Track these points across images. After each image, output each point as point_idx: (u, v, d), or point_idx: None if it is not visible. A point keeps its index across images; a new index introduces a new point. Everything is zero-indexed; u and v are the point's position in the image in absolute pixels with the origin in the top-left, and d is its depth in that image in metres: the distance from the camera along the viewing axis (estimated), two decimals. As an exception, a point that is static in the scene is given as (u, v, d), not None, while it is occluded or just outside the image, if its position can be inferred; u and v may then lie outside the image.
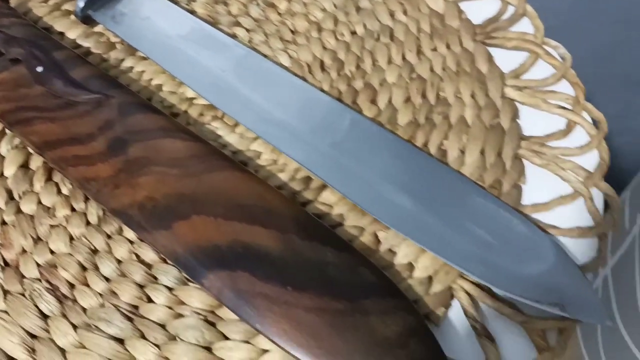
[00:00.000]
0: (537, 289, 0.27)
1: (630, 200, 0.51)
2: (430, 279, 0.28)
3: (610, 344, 0.50)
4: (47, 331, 0.27)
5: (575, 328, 0.27)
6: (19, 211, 0.30)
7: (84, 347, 0.26)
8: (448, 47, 0.37)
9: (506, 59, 0.37)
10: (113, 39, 0.38)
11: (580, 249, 0.30)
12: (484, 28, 0.38)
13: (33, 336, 0.27)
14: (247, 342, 0.26)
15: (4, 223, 0.30)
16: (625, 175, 0.67)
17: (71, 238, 0.30)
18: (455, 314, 0.28)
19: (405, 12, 0.39)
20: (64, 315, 0.27)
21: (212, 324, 0.27)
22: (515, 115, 0.34)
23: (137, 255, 0.29)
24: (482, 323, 0.27)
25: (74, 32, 0.38)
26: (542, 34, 0.38)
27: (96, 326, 0.27)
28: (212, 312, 0.27)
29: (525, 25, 0.39)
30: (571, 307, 0.27)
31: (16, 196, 0.31)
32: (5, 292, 0.28)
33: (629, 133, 0.77)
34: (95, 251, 0.29)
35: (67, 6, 0.39)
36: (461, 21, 0.38)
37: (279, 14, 0.39)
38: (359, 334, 0.24)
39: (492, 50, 0.38)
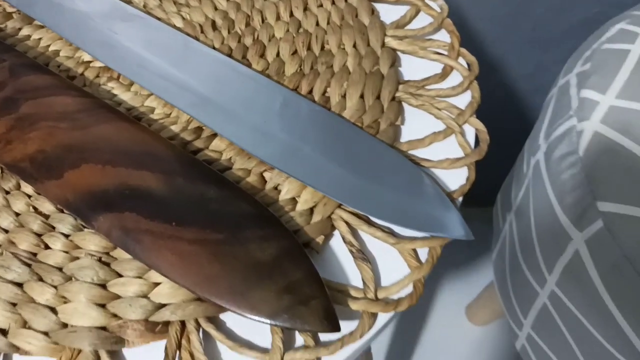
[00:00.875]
0: (408, 214, 0.30)
1: (527, 147, 0.54)
2: (311, 210, 0.30)
3: (519, 288, 0.54)
4: (-54, 280, 0.28)
5: (439, 247, 0.30)
6: None
7: (-17, 293, 0.28)
8: (333, 2, 0.39)
9: (391, 13, 0.40)
10: (9, 9, 0.39)
11: (452, 178, 0.33)
12: (368, -16, 0.41)
13: None
14: (140, 277, 0.28)
15: None
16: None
17: (-31, 195, 0.31)
18: (335, 241, 0.30)
19: (293, -28, 0.41)
20: (-36, 266, 0.29)
21: (107, 264, 0.29)
22: (394, 62, 0.36)
23: (35, 208, 0.31)
24: (359, 247, 0.29)
25: (-30, 4, 0.38)
26: (422, -12, 0.41)
27: (-6, 273, 0.28)
28: (107, 254, 0.29)
29: (408, -19, 0.42)
30: (438, 228, 0.29)
31: None
32: None
33: (542, 90, 0.80)
34: (-7, 206, 0.31)
35: (-38, -20, 0.40)
36: (346, -22, 0.40)
37: (173, -22, 0.41)
38: (238, 260, 0.26)
39: (378, 5, 0.40)
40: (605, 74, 0.45)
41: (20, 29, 0.38)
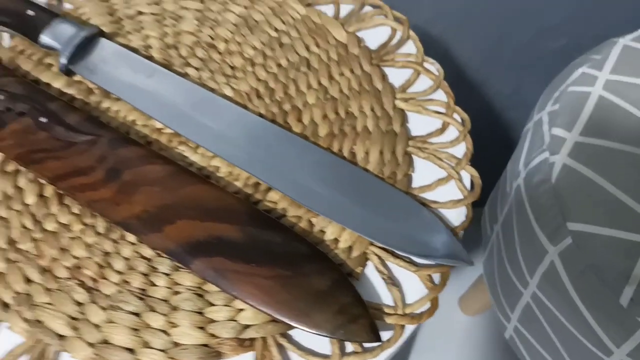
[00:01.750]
0: (422, 247, 0.39)
1: (509, 169, 0.64)
2: (350, 248, 0.40)
3: (506, 288, 0.64)
4: (83, 313, 0.37)
5: (449, 272, 0.39)
6: (44, 230, 0.41)
7: (112, 322, 0.37)
8: (352, 71, 0.49)
9: (397, 75, 0.49)
10: (91, 86, 0.47)
11: (455, 216, 0.42)
12: (378, 53, 0.50)
13: (74, 318, 0.37)
14: (227, 305, 0.38)
15: (35, 240, 0.40)
16: (515, 144, 0.81)
17: (87, 245, 0.40)
18: (370, 271, 0.40)
19: (317, 45, 0.50)
20: (93, 301, 0.38)
21: (201, 296, 0.38)
22: (404, 121, 0.46)
23: (139, 253, 0.40)
24: (388, 274, 0.39)
25: (58, 83, 0.47)
26: (422, 54, 0.50)
27: (118, 306, 0.38)
28: (200, 287, 0.38)
29: (410, 47, 0.51)
30: (446, 257, 0.39)
31: (39, 218, 0.41)
32: (47, 290, 0.38)
33: (521, 107, 0.91)
34: (107, 253, 0.40)
35: (48, 60, 0.49)
36: (360, 49, 0.50)
37: (220, 53, 0.50)
38: (301, 289, 0.36)
39: (386, 69, 0.50)
40: (570, 114, 0.55)
41: (100, 102, 0.47)
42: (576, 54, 0.68)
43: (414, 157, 0.45)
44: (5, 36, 0.50)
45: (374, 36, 0.52)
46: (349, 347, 0.37)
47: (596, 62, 0.59)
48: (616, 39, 0.62)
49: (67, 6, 0.53)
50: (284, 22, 0.51)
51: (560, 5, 0.70)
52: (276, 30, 0.51)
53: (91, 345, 0.37)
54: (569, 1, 0.70)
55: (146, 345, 0.36)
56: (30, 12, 0.47)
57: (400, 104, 0.47)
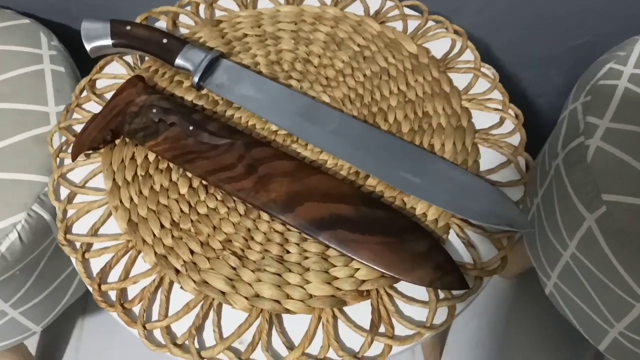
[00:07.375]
0: (492, 217, 0.51)
1: (547, 150, 0.75)
2: (436, 220, 0.52)
3: (546, 251, 0.75)
4: (238, 275, 0.49)
5: (514, 236, 0.51)
6: (198, 213, 0.53)
7: (260, 280, 0.49)
8: (424, 78, 0.60)
9: (461, 80, 0.60)
10: (216, 98, 0.59)
11: (514, 193, 0.54)
12: (444, 61, 0.61)
13: (231, 279, 0.49)
14: (346, 265, 0.49)
15: (192, 221, 0.52)
16: (545, 126, 0.92)
17: (233, 224, 0.52)
18: (453, 237, 0.52)
19: (393, 57, 0.61)
20: (244, 265, 0.50)
21: (325, 259, 0.50)
22: (469, 117, 0.57)
23: (273, 228, 0.52)
24: (467, 239, 0.51)
25: (190, 96, 0.59)
26: (479, 61, 0.61)
27: (264, 269, 0.50)
28: (323, 253, 0.50)
29: (468, 55, 0.62)
30: (511, 225, 0.51)
31: (192, 204, 0.53)
32: (207, 258, 0.50)
33: (545, 95, 1.01)
34: (249, 229, 0.52)
35: (178, 77, 0.61)
36: (429, 59, 0.61)
37: (315, 67, 0.61)
38: (405, 252, 0.48)
39: (451, 75, 0.61)
40: (601, 104, 0.66)
41: (225, 111, 0.59)
42: (596, 48, 0.79)
43: (480, 146, 0.56)
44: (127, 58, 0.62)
45: (438, 47, 0.63)
46: (441, 294, 0.49)
47: (621, 59, 0.70)
48: (637, 36, 0.72)
49: (183, 31, 0.65)
50: (364, 38, 0.63)
51: (582, 11, 0.81)
52: (359, 45, 0.63)
53: (246, 298, 0.49)
54: (589, 8, 0.80)
55: (288, 297, 0.48)
56: (164, 41, 0.59)
57: (465, 104, 0.58)
